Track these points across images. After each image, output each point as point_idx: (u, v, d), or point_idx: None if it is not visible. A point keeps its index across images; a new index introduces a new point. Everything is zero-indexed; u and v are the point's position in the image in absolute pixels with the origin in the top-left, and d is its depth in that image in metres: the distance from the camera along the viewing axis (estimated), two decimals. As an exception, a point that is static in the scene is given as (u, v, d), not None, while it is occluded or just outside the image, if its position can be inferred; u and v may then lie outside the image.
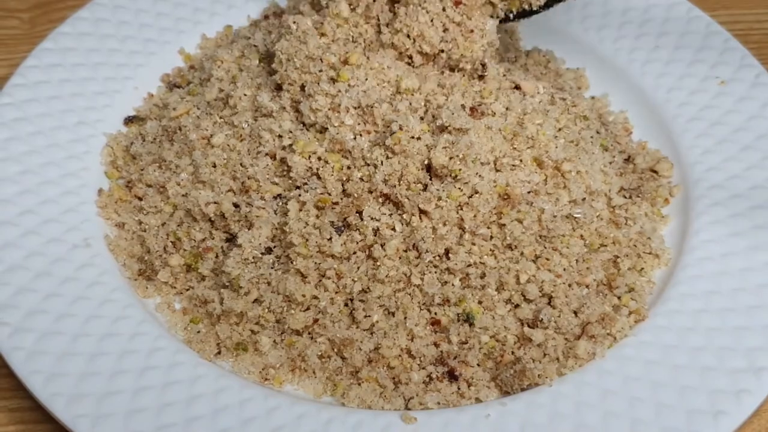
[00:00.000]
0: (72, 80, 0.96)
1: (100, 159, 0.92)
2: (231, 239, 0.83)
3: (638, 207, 0.88)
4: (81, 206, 0.86)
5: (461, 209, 0.78)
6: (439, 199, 0.77)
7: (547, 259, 0.80)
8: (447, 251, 0.78)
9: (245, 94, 0.87)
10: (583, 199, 0.83)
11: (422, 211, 0.78)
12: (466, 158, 0.77)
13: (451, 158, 0.77)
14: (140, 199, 0.88)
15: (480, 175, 0.78)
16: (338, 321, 0.78)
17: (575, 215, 0.82)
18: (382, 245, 0.77)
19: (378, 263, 0.78)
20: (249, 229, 0.81)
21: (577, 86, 1.02)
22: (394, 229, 0.78)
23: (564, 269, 0.81)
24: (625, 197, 0.89)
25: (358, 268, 0.78)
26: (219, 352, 0.79)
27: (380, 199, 0.79)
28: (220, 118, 0.87)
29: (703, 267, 0.82)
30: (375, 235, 0.78)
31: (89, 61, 0.98)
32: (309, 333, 0.79)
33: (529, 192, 0.80)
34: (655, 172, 0.93)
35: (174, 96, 0.96)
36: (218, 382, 0.74)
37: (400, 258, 0.78)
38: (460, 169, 0.77)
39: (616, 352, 0.77)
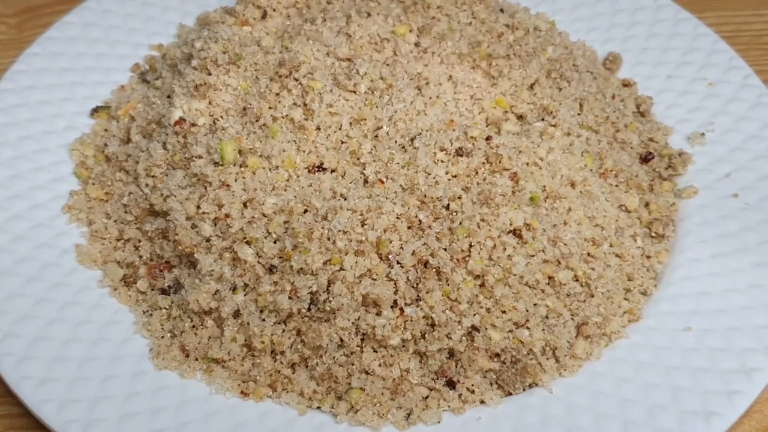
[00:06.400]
0: (60, 85, 0.96)
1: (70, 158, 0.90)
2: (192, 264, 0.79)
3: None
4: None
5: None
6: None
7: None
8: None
9: None
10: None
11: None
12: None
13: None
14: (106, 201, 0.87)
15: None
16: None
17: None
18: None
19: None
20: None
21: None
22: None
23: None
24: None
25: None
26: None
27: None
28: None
29: (694, 268, 0.83)
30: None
31: (78, 65, 0.98)
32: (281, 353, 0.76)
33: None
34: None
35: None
36: (210, 387, 0.74)
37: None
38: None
39: (608, 353, 0.77)
